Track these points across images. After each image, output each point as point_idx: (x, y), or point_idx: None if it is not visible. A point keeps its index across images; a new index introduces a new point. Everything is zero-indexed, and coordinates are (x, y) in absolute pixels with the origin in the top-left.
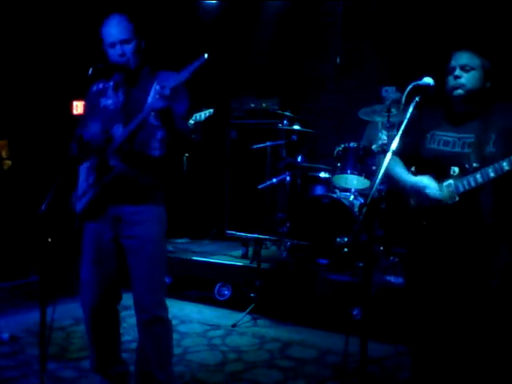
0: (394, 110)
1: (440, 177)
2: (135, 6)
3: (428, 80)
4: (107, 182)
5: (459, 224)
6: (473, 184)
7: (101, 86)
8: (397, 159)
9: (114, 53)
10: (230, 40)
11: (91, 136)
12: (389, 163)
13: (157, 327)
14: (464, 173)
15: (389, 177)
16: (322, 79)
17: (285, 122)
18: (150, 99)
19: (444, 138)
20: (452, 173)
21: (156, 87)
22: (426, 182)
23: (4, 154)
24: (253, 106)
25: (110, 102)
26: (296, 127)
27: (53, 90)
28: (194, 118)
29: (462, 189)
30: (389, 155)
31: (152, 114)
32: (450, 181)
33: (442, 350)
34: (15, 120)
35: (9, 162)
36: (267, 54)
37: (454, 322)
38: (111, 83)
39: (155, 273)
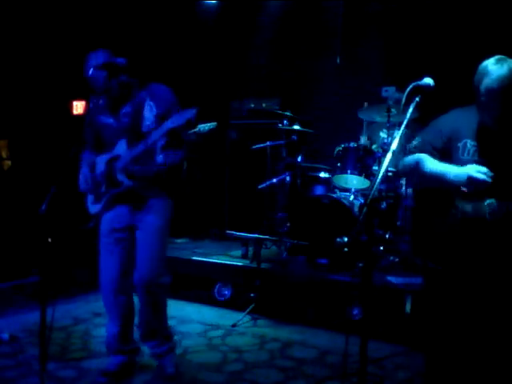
0: (393, 110)
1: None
2: (136, 6)
3: (428, 80)
4: (116, 194)
5: (499, 240)
6: None
7: (94, 101)
8: (431, 158)
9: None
10: (229, 40)
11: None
12: (424, 162)
13: (155, 287)
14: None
15: (424, 176)
16: (322, 79)
17: (285, 122)
18: (149, 122)
19: (478, 149)
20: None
21: (150, 103)
22: (475, 167)
23: (4, 154)
24: (253, 106)
25: (111, 120)
26: (296, 127)
27: (53, 90)
28: (197, 128)
29: (505, 210)
30: (389, 155)
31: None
32: (493, 200)
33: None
34: (15, 120)
35: (9, 162)
36: (267, 54)
37: (492, 334)
38: (106, 101)
39: (158, 245)
